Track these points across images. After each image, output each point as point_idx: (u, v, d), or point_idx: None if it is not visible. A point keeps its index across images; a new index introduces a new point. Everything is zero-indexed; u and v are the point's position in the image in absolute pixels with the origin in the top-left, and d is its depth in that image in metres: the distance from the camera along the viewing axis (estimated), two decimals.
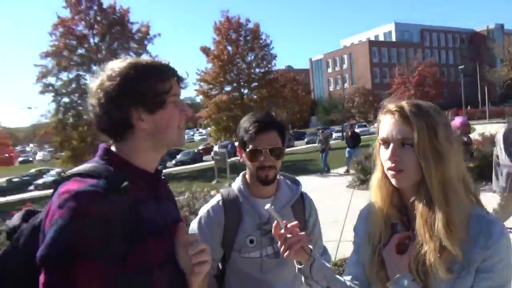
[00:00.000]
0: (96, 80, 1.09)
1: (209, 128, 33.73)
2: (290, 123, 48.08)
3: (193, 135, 78.29)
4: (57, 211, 0.92)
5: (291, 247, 1.17)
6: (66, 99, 26.08)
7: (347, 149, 13.60)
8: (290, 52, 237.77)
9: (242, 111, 29.94)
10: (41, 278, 0.88)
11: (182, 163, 33.79)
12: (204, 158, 34.76)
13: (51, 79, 25.74)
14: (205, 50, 30.65)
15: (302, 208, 1.73)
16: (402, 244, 1.13)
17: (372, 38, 76.74)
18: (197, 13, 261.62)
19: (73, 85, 25.81)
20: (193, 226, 1.68)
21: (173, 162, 34.48)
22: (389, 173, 1.12)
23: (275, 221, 1.21)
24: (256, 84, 31.45)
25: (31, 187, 29.76)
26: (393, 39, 76.53)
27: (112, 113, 1.05)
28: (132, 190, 1.01)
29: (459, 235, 1.02)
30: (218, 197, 1.70)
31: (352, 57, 72.47)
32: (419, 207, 1.10)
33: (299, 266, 1.22)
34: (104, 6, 26.36)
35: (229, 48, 30.50)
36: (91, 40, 26.51)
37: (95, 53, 26.21)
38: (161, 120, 1.08)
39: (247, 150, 1.56)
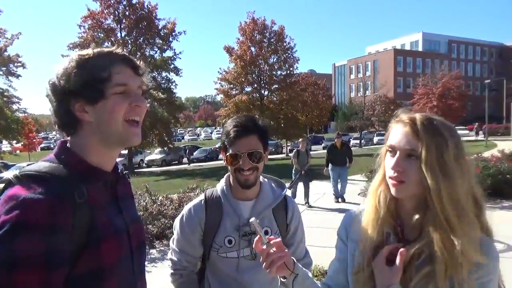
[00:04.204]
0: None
1: None
2: (309, 127, 47.86)
3: (211, 133, 78.83)
4: (3, 216, 0.89)
5: (273, 264, 1.16)
6: None
7: (331, 167, 9.89)
8: (314, 56, 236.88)
9: (261, 112, 30.04)
10: None
11: (197, 160, 34.11)
12: (220, 156, 34.87)
13: None
14: (228, 50, 30.87)
15: (284, 211, 1.74)
16: (392, 255, 1.09)
17: (398, 47, 75.67)
18: (222, 13, 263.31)
19: None
20: (176, 223, 1.75)
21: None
22: (390, 182, 1.11)
23: (258, 235, 1.19)
24: (276, 86, 31.48)
25: None
26: (420, 48, 75.28)
27: (57, 108, 1.06)
28: (87, 194, 0.99)
29: (473, 257, 1.02)
30: (201, 197, 1.75)
31: (377, 65, 71.66)
32: (431, 226, 1.06)
33: (283, 280, 1.22)
34: (133, 1, 26.96)
35: (253, 49, 30.60)
36: (118, 34, 27.10)
37: (121, 47, 26.62)
38: (103, 111, 1.04)
39: (227, 154, 1.60)
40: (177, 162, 33.99)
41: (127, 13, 26.82)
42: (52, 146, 62.91)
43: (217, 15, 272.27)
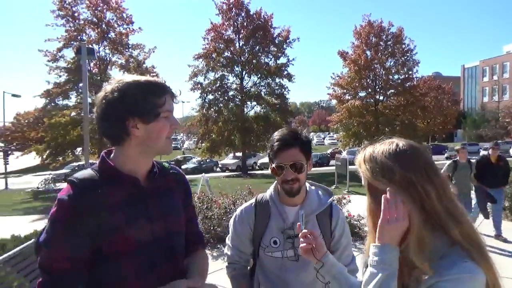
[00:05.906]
0: (102, 92, 1.31)
1: (340, 133, 33.51)
2: (431, 135, 44.10)
3: (323, 138, 78.31)
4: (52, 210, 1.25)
5: (301, 243, 1.40)
6: (210, 96, 29.21)
7: (479, 189, 7.11)
8: (440, 58, 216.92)
9: (374, 118, 28.94)
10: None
11: None
12: (332, 162, 34.54)
13: (200, 78, 29.05)
14: (342, 54, 30.48)
15: (329, 218, 1.85)
16: None
17: None
18: (337, 18, 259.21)
19: (217, 84, 28.72)
20: (230, 222, 1.97)
21: None
22: None
23: (298, 223, 1.46)
24: (393, 91, 29.96)
25: None
26: None
27: (112, 121, 1.27)
28: (107, 194, 1.24)
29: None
30: (252, 200, 1.94)
31: None
32: None
33: (315, 265, 1.42)
34: (251, 12, 28.61)
35: (368, 52, 29.70)
36: (237, 44, 28.98)
37: (239, 56, 28.64)
38: (153, 130, 1.29)
39: (272, 165, 1.76)
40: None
41: (245, 23, 28.52)
42: (178, 146, 69.34)
43: (332, 20, 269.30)
